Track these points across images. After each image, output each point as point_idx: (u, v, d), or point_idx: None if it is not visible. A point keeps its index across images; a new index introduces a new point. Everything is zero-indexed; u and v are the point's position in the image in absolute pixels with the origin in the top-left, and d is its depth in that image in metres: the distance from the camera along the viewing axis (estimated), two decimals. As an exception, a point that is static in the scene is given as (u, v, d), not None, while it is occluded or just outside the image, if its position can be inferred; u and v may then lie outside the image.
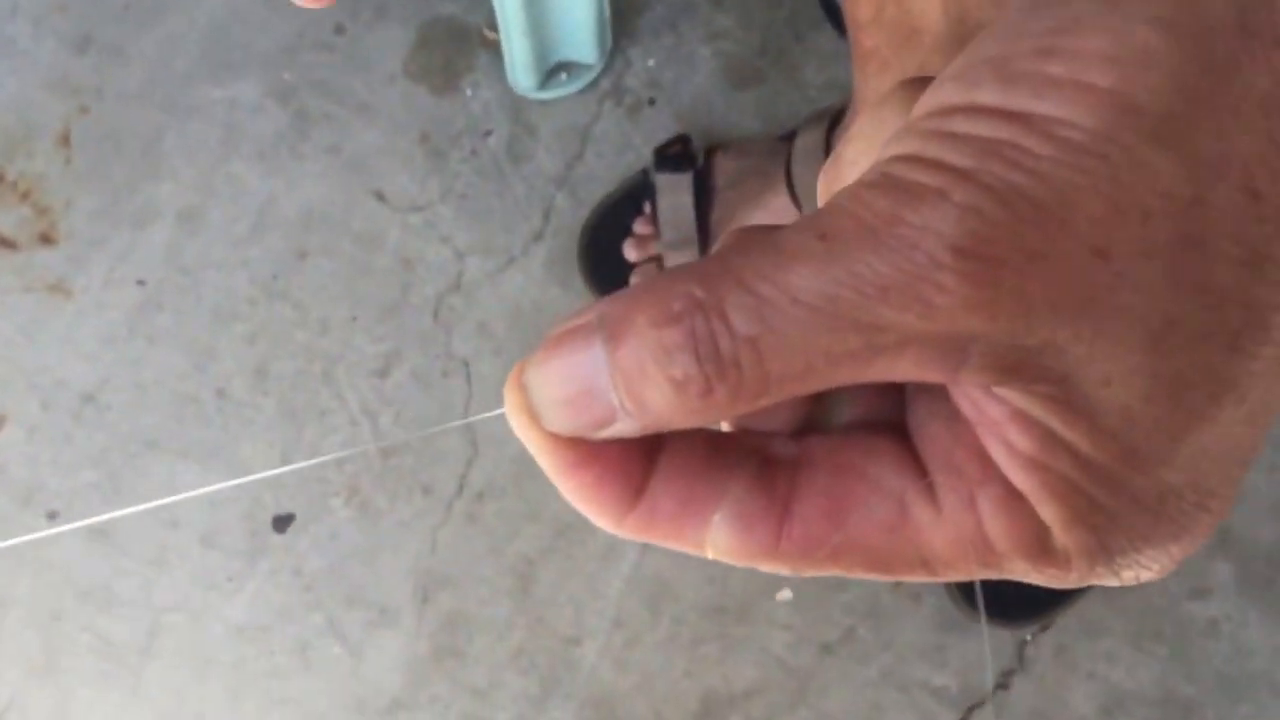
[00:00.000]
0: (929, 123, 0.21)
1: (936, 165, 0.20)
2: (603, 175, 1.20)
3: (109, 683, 1.12)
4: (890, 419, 0.24)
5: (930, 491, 0.23)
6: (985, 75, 0.20)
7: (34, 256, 1.19)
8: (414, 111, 1.21)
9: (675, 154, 1.16)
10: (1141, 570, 0.23)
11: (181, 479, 1.15)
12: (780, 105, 1.22)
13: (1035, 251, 0.19)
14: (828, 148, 1.09)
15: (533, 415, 0.22)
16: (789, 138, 1.13)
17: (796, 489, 0.23)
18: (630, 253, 1.16)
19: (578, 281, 1.17)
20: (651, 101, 1.22)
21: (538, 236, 1.19)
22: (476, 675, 1.12)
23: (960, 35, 0.94)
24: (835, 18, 1.23)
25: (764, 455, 0.24)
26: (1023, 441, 0.21)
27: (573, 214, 1.19)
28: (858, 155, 0.26)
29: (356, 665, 1.13)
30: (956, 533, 0.23)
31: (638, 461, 0.23)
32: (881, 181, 0.20)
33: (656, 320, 0.21)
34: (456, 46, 1.23)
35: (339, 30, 1.22)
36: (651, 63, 1.22)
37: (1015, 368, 0.20)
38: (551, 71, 1.19)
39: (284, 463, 1.15)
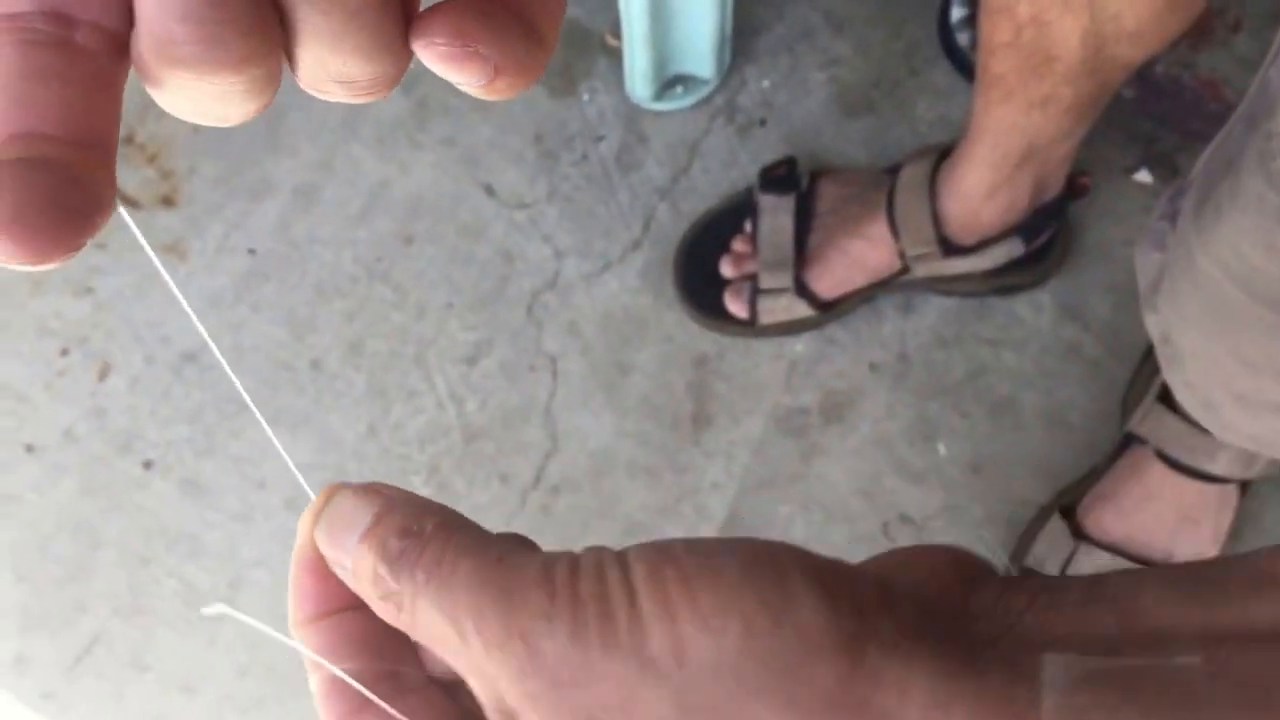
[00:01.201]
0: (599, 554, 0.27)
1: (571, 577, 0.26)
2: (706, 190, 1.22)
3: (189, 628, 1.18)
4: None
5: None
6: (642, 558, 0.26)
7: (154, 217, 1.24)
8: (530, 111, 1.23)
9: (780, 176, 1.17)
10: None
11: (271, 443, 1.19)
12: (889, 137, 1.22)
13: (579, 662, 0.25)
14: (933, 183, 1.10)
15: (317, 518, 0.30)
16: (893, 170, 1.14)
17: (370, 707, 0.29)
18: (726, 269, 1.18)
19: (670, 292, 1.19)
20: (762, 122, 1.23)
21: (637, 244, 1.21)
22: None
23: (1094, 67, 0.94)
24: (954, 54, 1.24)
25: (396, 679, 0.30)
26: None
27: (673, 226, 1.21)
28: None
29: (421, 638, 1.17)
30: None
31: (338, 601, 0.30)
32: (545, 569, 0.26)
33: (400, 526, 0.28)
34: (578, 51, 1.25)
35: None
36: (766, 84, 1.24)
37: None
38: (668, 84, 1.21)
39: (371, 438, 1.20)
